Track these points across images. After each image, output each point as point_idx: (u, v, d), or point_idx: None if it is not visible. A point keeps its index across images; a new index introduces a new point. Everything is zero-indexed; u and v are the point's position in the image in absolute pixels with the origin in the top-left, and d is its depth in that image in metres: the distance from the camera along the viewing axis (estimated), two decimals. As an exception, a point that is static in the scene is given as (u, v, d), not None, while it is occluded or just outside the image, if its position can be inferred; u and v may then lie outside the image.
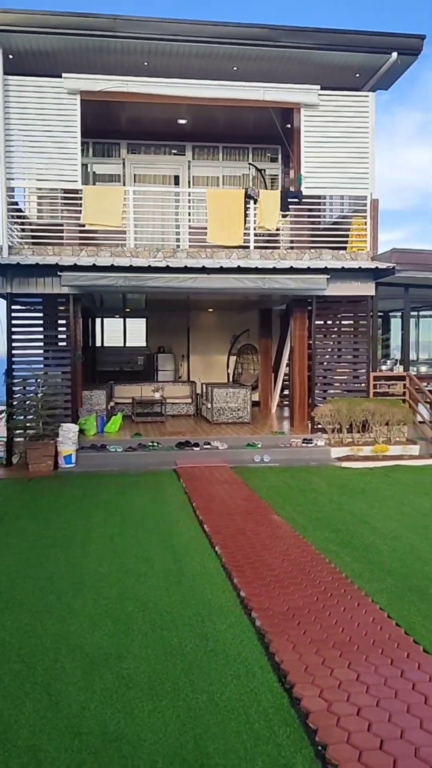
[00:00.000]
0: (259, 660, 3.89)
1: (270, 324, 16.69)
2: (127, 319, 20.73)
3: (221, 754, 2.94)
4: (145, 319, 20.42)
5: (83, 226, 12.02)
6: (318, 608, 4.68)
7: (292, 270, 11.51)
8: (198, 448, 11.74)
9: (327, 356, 12.99)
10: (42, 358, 12.00)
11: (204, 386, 15.20)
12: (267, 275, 11.50)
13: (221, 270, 11.28)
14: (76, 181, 11.86)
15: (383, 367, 16.89)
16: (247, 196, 12.18)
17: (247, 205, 12.20)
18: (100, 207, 11.80)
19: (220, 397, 14.05)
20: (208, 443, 11.91)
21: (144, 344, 20.43)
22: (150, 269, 11.11)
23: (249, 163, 15.16)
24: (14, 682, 3.64)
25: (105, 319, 20.54)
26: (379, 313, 20.51)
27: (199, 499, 8.39)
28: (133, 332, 20.92)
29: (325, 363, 12.94)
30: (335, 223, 14.10)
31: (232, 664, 3.83)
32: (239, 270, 11.34)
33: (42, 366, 11.91)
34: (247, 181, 15.47)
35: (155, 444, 11.80)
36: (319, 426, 12.28)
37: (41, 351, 12.04)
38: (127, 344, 20.78)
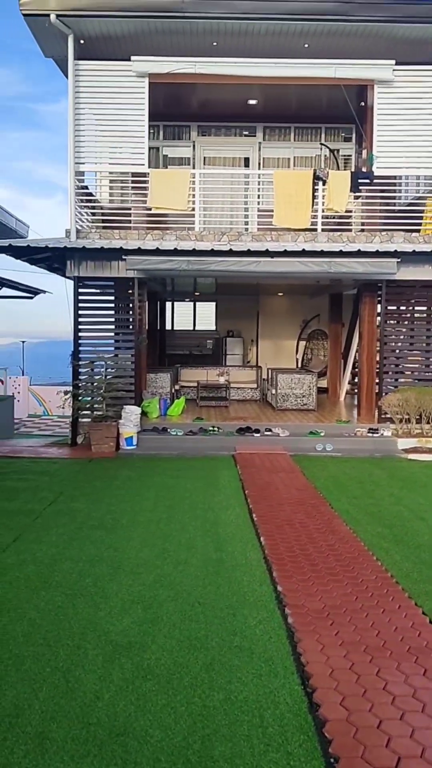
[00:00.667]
0: (284, 660, 3.75)
1: (341, 309, 16.28)
2: (197, 303, 20.74)
3: (226, 759, 2.84)
4: (215, 303, 20.37)
5: (150, 209, 12.02)
6: (355, 608, 4.49)
7: (359, 253, 11.11)
8: (258, 435, 11.61)
9: (397, 343, 12.52)
10: (107, 341, 12.15)
11: (269, 371, 15.01)
12: (333, 258, 11.15)
13: (285, 253, 11.02)
14: (143, 164, 11.86)
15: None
16: (316, 177, 11.83)
17: (316, 187, 11.85)
18: (166, 190, 11.76)
19: (285, 383, 13.83)
20: (270, 430, 11.76)
21: (213, 328, 20.40)
22: (213, 253, 10.98)
23: (321, 143, 14.72)
24: (35, 665, 3.66)
25: (175, 303, 20.64)
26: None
27: (253, 486, 8.27)
28: (203, 316, 20.93)
29: (396, 350, 12.48)
30: (410, 204, 13.52)
31: (255, 662, 3.71)
32: (303, 253, 11.04)
33: (107, 349, 12.05)
34: (319, 162, 15.04)
35: (215, 429, 11.75)
36: (387, 416, 11.88)
37: (106, 334, 12.17)
38: (197, 328, 20.81)
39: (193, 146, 15.01)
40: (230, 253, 10.98)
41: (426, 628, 4.17)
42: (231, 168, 14.93)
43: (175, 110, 14.41)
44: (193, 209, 11.97)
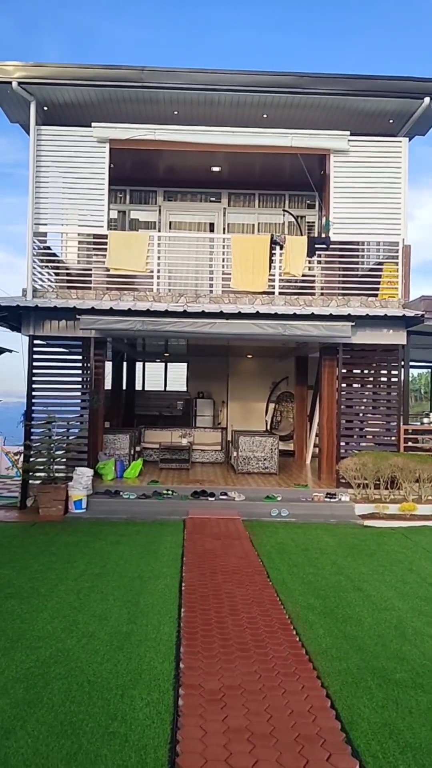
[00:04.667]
0: (158, 749, 3.43)
1: (306, 371, 16.25)
2: (169, 364, 20.69)
3: None
4: (186, 364, 20.33)
5: (109, 270, 12.07)
6: (254, 689, 4.17)
7: (313, 316, 11.13)
8: (213, 499, 11.32)
9: (355, 407, 12.42)
10: (61, 401, 11.96)
11: (233, 433, 14.81)
12: (288, 321, 11.15)
13: (239, 315, 11.02)
14: (102, 226, 11.96)
15: (425, 420, 16.08)
16: (273, 242, 11.96)
17: (273, 251, 11.97)
18: (124, 252, 11.83)
19: (246, 446, 13.63)
20: (225, 494, 11.48)
21: (184, 389, 20.29)
22: (167, 314, 10.96)
23: (283, 210, 14.99)
24: None
25: (147, 364, 20.59)
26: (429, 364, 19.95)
27: (192, 554, 7.96)
28: (175, 377, 20.85)
29: (353, 414, 12.37)
30: (371, 269, 13.68)
31: (126, 752, 3.39)
32: (258, 315, 11.04)
33: (61, 409, 11.85)
34: (283, 229, 15.29)
35: (170, 492, 11.46)
36: (345, 480, 11.66)
37: (61, 393, 12.00)
38: (168, 389, 20.70)
39: (159, 210, 15.25)
40: (183, 314, 10.96)
41: (323, 713, 3.87)
42: (191, 232, 15.13)
43: (142, 175, 14.70)
44: (152, 271, 12.02)
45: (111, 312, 10.96)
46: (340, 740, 3.54)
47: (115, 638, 5.06)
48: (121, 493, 11.38)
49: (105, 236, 12.00)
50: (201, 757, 3.32)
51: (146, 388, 20.51)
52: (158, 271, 12.13)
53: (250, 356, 18.87)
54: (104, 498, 11.17)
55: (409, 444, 12.28)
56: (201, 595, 6.21)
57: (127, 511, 10.75)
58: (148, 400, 19.97)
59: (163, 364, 20.61)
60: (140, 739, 3.53)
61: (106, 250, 12.02)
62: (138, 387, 20.03)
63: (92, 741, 3.49)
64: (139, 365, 20.20)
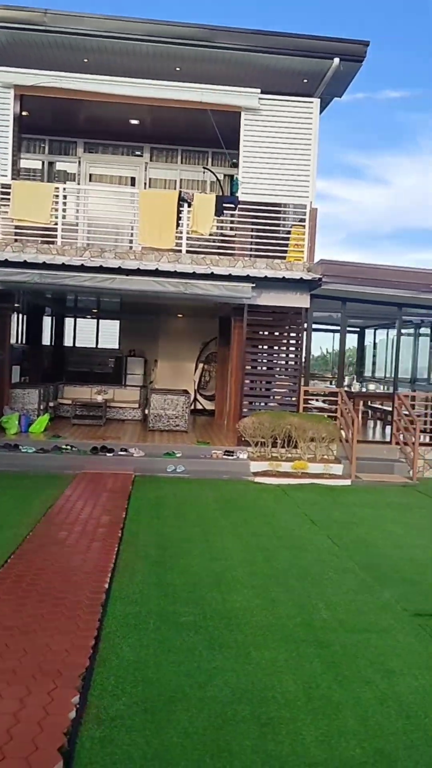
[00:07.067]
0: None
1: (229, 332, 16.30)
2: (102, 321, 20.57)
3: None
4: (118, 322, 20.24)
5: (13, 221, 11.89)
6: (29, 629, 4.32)
7: (213, 276, 11.16)
8: (112, 455, 11.44)
9: (260, 368, 12.57)
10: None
11: (148, 391, 14.91)
12: (190, 280, 11.17)
13: (138, 272, 10.99)
14: (6, 176, 11.73)
15: (344, 383, 16.39)
16: (181, 199, 11.88)
17: (181, 209, 11.89)
18: (28, 203, 11.64)
19: (158, 404, 13.74)
20: (125, 449, 11.60)
21: (117, 347, 20.24)
22: (65, 267, 10.88)
23: (204, 167, 14.85)
24: None
25: (79, 320, 20.44)
26: (354, 329, 20.19)
27: (60, 507, 8.07)
28: (109, 335, 20.74)
29: (259, 375, 12.53)
30: (288, 232, 13.68)
31: None
32: (157, 273, 11.03)
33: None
34: (205, 187, 15.16)
35: (70, 447, 11.54)
36: (245, 439, 11.87)
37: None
38: (101, 346, 20.62)
39: (79, 162, 14.97)
40: (81, 268, 10.89)
41: (79, 652, 4.02)
42: (104, 185, 14.87)
43: (61, 125, 14.37)
44: (56, 223, 11.86)
45: (7, 264, 10.83)
46: (76, 675, 3.71)
47: None
48: (20, 446, 11.41)
49: (9, 186, 11.77)
50: None
51: (78, 345, 20.38)
52: (62, 224, 11.94)
53: (180, 315, 18.85)
54: (2, 451, 11.21)
55: (310, 404, 12.52)
56: (39, 544, 6.35)
57: (23, 465, 10.79)
58: (80, 356, 19.88)
59: (95, 320, 20.48)
60: None
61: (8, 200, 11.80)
62: (69, 343, 19.91)
63: None
64: (70, 321, 20.05)
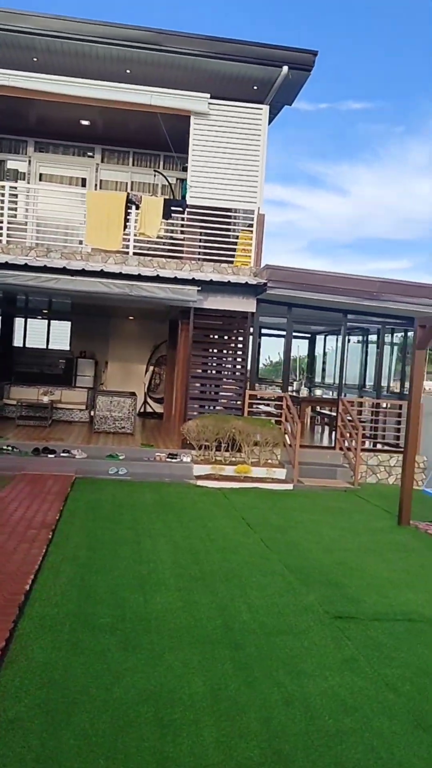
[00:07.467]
0: None
1: (177, 335, 16.32)
2: (53, 322, 20.35)
3: None
4: (69, 323, 20.05)
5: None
6: None
7: (158, 278, 11.16)
8: (54, 456, 11.33)
9: (208, 371, 12.62)
10: None
11: (94, 393, 14.81)
12: (136, 282, 11.15)
13: (83, 273, 10.93)
14: None
15: (290, 388, 16.55)
16: (129, 201, 11.86)
17: (128, 210, 11.87)
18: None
19: (104, 405, 13.66)
20: (67, 451, 11.50)
21: (67, 348, 20.05)
22: (8, 266, 10.75)
23: (155, 171, 14.85)
24: None
25: (30, 320, 20.18)
26: (305, 335, 20.43)
27: (-8, 507, 7.96)
28: (59, 336, 20.53)
29: (205, 378, 12.57)
30: (237, 236, 13.78)
31: None
32: (103, 274, 10.99)
33: None
34: (156, 190, 15.16)
35: (11, 448, 11.38)
36: (190, 441, 11.88)
37: None
38: (51, 347, 20.39)
39: (29, 161, 14.81)
40: (25, 267, 10.78)
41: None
42: (52, 185, 14.73)
43: (11, 123, 14.19)
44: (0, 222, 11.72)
45: None
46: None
47: None
48: (-41, 447, 11.22)
49: None
50: None
51: (28, 345, 20.12)
52: (7, 222, 11.80)
53: (132, 318, 18.79)
54: None
55: (258, 409, 12.62)
56: (-35, 546, 6.25)
57: (-40, 465, 10.61)
58: (30, 357, 19.63)
59: (46, 321, 20.25)
60: None
61: None
62: (19, 344, 19.64)
63: None
64: (20, 321, 19.78)
